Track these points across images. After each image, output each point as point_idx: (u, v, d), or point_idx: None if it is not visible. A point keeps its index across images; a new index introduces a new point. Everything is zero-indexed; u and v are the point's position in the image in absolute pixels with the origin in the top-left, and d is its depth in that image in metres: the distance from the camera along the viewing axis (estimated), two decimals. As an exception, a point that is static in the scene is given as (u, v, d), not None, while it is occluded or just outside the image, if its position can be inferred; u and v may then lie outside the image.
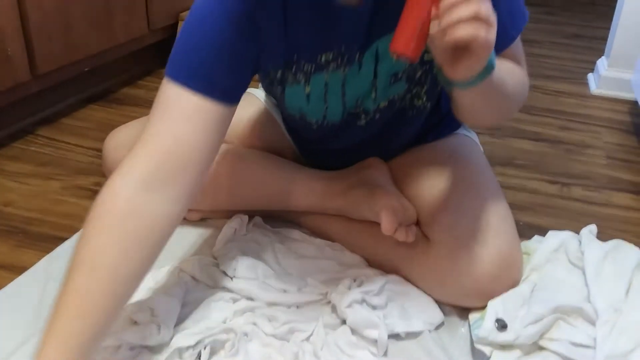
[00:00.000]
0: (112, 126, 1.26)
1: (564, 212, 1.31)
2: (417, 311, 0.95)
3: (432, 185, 1.02)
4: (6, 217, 1.19)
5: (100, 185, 1.29)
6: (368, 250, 1.06)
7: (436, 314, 0.96)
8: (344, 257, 1.07)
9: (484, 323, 0.87)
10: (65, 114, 1.62)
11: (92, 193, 1.28)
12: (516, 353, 0.86)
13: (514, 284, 0.93)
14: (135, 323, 0.89)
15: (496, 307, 0.89)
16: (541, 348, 0.88)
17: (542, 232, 1.11)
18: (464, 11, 0.66)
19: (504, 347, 0.87)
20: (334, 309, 0.95)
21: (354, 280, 0.98)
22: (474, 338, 0.88)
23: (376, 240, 1.03)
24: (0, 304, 0.96)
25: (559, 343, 0.87)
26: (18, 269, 1.04)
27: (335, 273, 1.02)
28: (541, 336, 0.88)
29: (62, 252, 1.09)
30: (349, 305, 0.93)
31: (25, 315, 0.93)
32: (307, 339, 0.90)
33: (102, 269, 0.74)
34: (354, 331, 0.91)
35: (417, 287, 0.99)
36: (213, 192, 1.09)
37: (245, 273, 1.00)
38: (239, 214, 1.14)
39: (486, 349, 0.87)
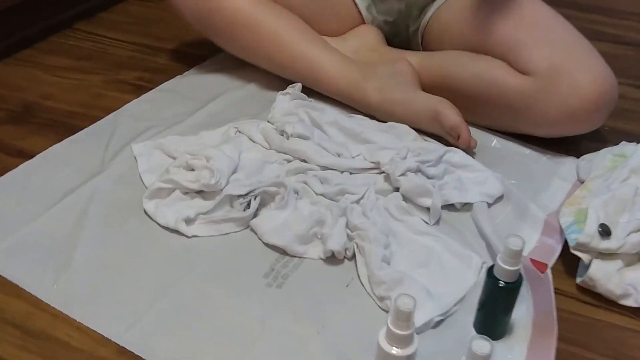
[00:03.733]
0: (151, 20, 1.18)
1: (652, 118, 1.17)
2: (475, 183, 0.91)
3: (516, 23, 1.03)
4: (46, 111, 1.11)
5: (143, 79, 1.24)
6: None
7: (495, 187, 0.90)
8: (402, 131, 1.02)
9: (585, 228, 0.76)
10: (104, 8, 1.51)
11: (135, 88, 1.19)
12: (617, 264, 0.76)
13: (612, 106, 0.97)
14: (192, 170, 0.90)
15: (597, 210, 0.78)
16: (645, 258, 0.78)
17: (629, 137, 1.02)
18: None
19: (604, 256, 0.77)
20: (387, 178, 0.91)
21: (411, 151, 0.93)
22: (571, 244, 0.78)
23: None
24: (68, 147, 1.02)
25: (666, 253, 0.76)
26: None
27: (392, 144, 0.98)
28: (646, 245, 0.77)
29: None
30: (403, 174, 0.88)
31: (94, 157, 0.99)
32: (357, 201, 0.87)
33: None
34: (406, 199, 0.88)
35: (518, 129, 1.03)
36: (252, 47, 1.13)
37: (301, 135, 0.97)
38: (294, 84, 1.11)
39: (584, 257, 0.77)
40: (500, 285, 0.65)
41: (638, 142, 0.99)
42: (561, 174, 0.99)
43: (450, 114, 0.99)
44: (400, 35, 1.22)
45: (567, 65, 0.95)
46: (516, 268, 0.64)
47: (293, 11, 1.14)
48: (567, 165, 1.01)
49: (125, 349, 0.69)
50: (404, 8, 1.19)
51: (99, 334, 0.71)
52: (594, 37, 1.48)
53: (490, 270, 0.66)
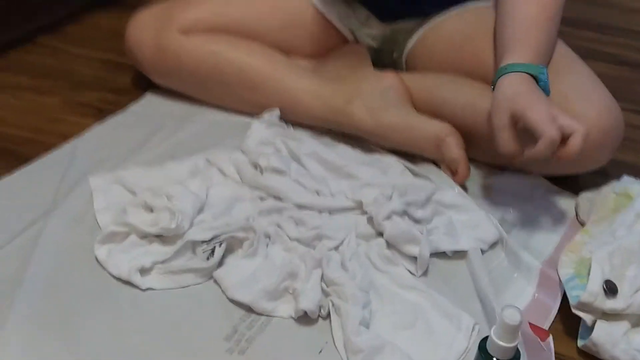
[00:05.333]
0: (121, 34, 1.11)
1: (654, 148, 1.11)
2: (468, 227, 0.84)
3: None
4: (-5, 137, 1.02)
5: (106, 101, 1.14)
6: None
7: (491, 231, 0.83)
8: (387, 164, 0.94)
9: (588, 285, 0.68)
10: (70, 21, 1.42)
11: (97, 111, 1.09)
12: (624, 325, 0.68)
13: (618, 143, 0.90)
14: (151, 211, 0.81)
15: (602, 263, 0.69)
16: (654, 318, 0.69)
17: (630, 170, 0.96)
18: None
19: (609, 316, 0.68)
20: (370, 220, 0.83)
21: (396, 189, 0.85)
22: (572, 302, 0.70)
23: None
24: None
25: (679, 313, 0.68)
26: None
27: (377, 180, 0.90)
28: (656, 303, 0.69)
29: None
30: (388, 217, 0.80)
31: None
32: (336, 248, 0.79)
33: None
34: (390, 245, 0.80)
35: (514, 166, 0.94)
36: (220, 90, 1.06)
37: (277, 169, 0.89)
38: (272, 109, 1.02)
39: (587, 318, 0.68)
40: (494, 364, 0.57)
41: (640, 176, 0.93)
42: (556, 214, 0.91)
43: (453, 145, 0.92)
44: (384, 60, 1.14)
45: (570, 98, 0.86)
46: (513, 345, 0.55)
47: (265, 39, 1.06)
48: (563, 203, 0.93)
49: None
50: (389, 33, 1.11)
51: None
52: (588, 56, 1.40)
53: (482, 343, 0.58)
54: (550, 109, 0.77)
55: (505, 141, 0.79)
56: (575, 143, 0.75)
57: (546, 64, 0.88)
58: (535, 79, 0.83)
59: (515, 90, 0.80)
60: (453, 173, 0.93)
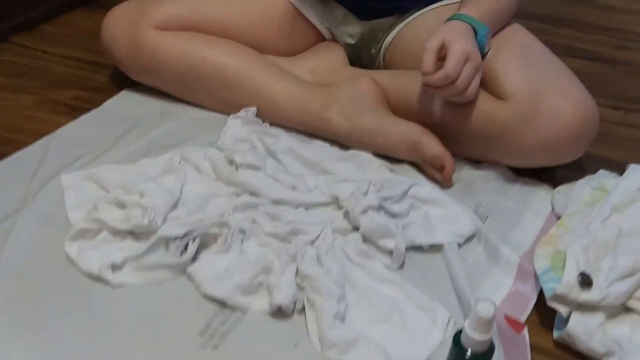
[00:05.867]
0: (96, 34, 1.11)
1: (629, 142, 1.12)
2: (444, 220, 0.84)
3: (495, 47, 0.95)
4: (-33, 136, 1.00)
5: (80, 99, 1.13)
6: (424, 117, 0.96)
7: (467, 224, 0.83)
8: (364, 161, 0.94)
9: (563, 276, 0.68)
10: (45, 20, 1.40)
11: (70, 109, 1.08)
12: (599, 317, 0.68)
13: (593, 136, 0.91)
14: (123, 208, 0.80)
15: (577, 256, 0.69)
16: (629, 310, 0.70)
17: (606, 164, 0.97)
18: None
19: (584, 308, 0.68)
20: (346, 214, 0.83)
21: (373, 184, 0.85)
22: (547, 294, 0.70)
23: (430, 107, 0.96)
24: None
25: (654, 304, 0.68)
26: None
27: (353, 175, 0.90)
28: (630, 296, 0.69)
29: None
30: (364, 212, 0.80)
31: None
32: (312, 243, 0.78)
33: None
34: (366, 240, 0.80)
35: (490, 159, 0.95)
36: (196, 89, 1.05)
37: (252, 165, 0.88)
38: (249, 107, 1.02)
39: (562, 310, 0.68)
40: (467, 356, 0.56)
41: (617, 172, 0.93)
42: (533, 206, 0.91)
43: (431, 143, 0.91)
44: (362, 57, 1.13)
45: (547, 91, 0.87)
46: (486, 338, 0.55)
47: (241, 36, 1.05)
48: (540, 196, 0.93)
49: None
50: (368, 31, 1.11)
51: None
52: (566, 53, 1.40)
53: (457, 336, 0.57)
54: (469, 50, 0.87)
55: (429, 60, 0.86)
56: (438, 76, 0.85)
57: (492, 29, 0.95)
58: (476, 33, 0.91)
59: (455, 29, 0.90)
60: (439, 170, 0.92)
